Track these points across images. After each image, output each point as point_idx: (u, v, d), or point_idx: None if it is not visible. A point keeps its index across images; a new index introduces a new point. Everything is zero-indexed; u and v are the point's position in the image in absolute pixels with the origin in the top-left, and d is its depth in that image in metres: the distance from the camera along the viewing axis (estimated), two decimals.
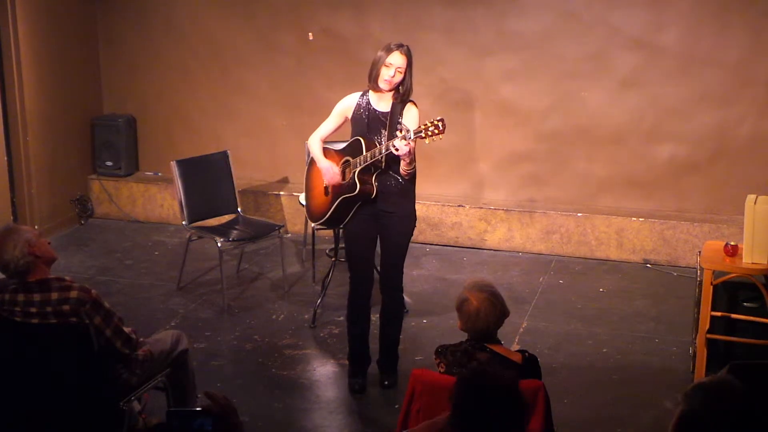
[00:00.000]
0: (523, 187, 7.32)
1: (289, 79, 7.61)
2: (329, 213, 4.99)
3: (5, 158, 7.16)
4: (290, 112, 7.61)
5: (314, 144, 5.06)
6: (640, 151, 7.04)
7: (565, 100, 7.09)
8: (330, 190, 5.00)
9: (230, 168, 6.58)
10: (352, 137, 4.93)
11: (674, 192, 7.04)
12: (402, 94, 4.81)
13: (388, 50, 4.76)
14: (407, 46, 4.83)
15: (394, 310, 5.10)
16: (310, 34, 7.47)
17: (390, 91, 4.82)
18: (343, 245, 5.20)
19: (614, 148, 7.08)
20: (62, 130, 7.63)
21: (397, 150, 4.56)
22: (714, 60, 6.76)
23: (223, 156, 6.60)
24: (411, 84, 4.84)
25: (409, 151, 4.59)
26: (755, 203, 4.84)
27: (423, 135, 4.55)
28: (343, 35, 7.36)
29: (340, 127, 5.07)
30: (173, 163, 6.38)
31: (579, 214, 7.09)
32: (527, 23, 7.05)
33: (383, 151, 4.67)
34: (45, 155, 7.44)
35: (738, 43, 6.70)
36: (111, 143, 7.89)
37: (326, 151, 5.07)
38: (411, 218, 4.96)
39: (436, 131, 4.54)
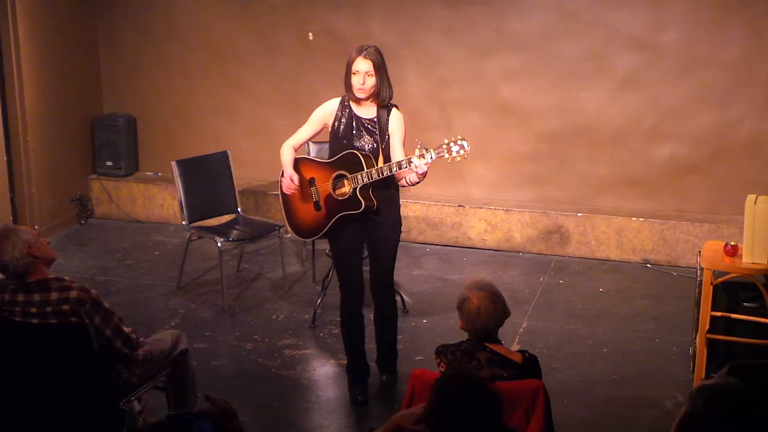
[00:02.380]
0: (523, 187, 7.32)
1: (289, 79, 7.61)
2: (325, 230, 4.84)
3: (5, 158, 7.15)
4: (290, 112, 7.60)
5: (286, 152, 4.87)
6: (640, 151, 7.04)
7: (565, 100, 7.09)
8: (323, 204, 4.81)
9: (230, 168, 6.58)
10: (335, 145, 4.78)
11: (674, 192, 7.04)
12: (382, 98, 4.68)
13: (353, 56, 4.63)
14: (374, 47, 4.67)
15: (389, 312, 5.07)
16: (310, 34, 7.46)
17: (368, 98, 4.70)
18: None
19: (614, 148, 7.08)
20: (62, 130, 7.63)
21: (417, 168, 4.46)
22: (714, 60, 6.76)
23: (223, 156, 6.60)
24: (387, 85, 4.68)
25: (427, 171, 4.51)
26: (755, 203, 4.83)
27: (446, 155, 4.47)
28: (343, 35, 7.36)
29: (317, 134, 4.92)
30: (173, 163, 6.38)
31: (579, 214, 7.09)
32: (527, 23, 7.05)
33: (394, 168, 4.55)
34: (45, 155, 7.44)
35: (738, 43, 6.70)
36: (111, 143, 7.88)
37: (305, 163, 4.90)
38: (398, 224, 4.94)
39: (461, 151, 4.47)
